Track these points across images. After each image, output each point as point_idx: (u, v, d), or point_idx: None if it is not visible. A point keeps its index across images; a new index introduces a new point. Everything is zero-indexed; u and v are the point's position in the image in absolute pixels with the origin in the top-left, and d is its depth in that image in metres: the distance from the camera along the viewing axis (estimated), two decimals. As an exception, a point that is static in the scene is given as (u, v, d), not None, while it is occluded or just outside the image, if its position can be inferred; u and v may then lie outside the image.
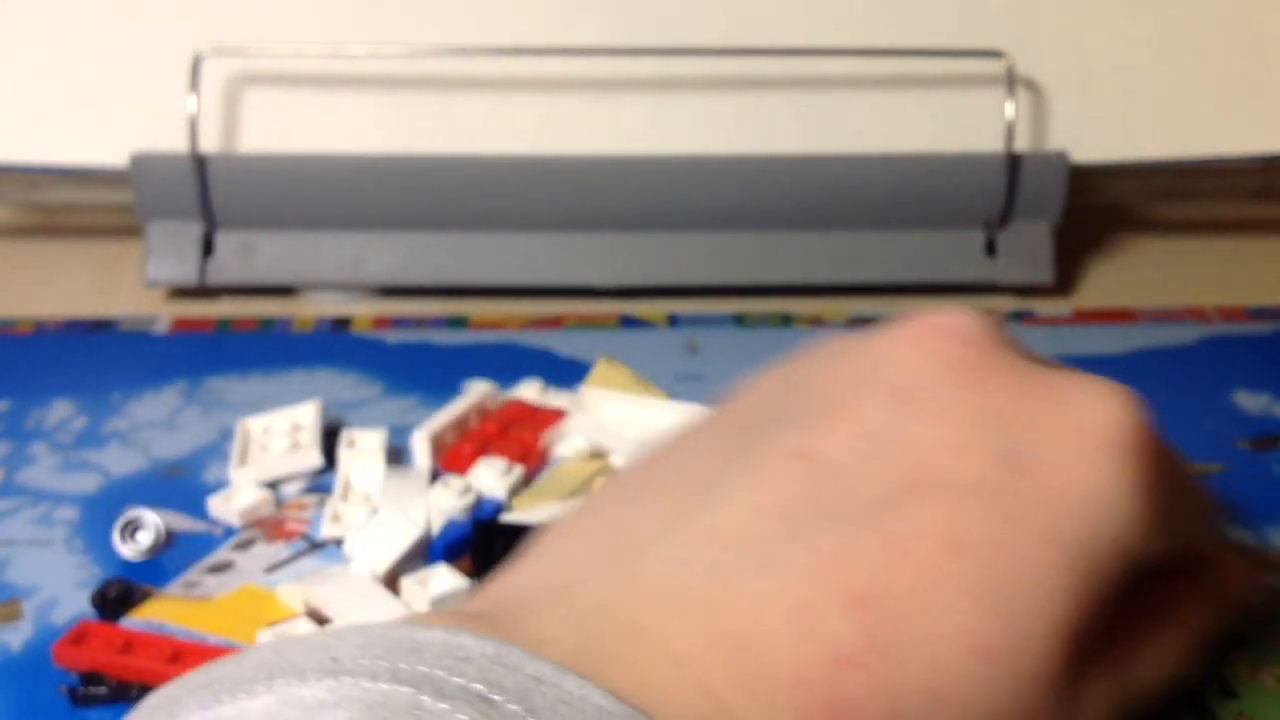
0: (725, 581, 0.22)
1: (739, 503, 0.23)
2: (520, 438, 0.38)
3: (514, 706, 0.18)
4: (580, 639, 0.21)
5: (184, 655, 0.30)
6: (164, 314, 0.48)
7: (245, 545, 0.34)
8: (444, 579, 0.32)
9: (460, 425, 0.38)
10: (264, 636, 0.30)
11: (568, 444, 0.37)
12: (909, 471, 0.23)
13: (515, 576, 0.24)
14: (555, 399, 0.40)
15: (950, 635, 0.21)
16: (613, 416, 0.39)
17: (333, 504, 0.36)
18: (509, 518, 0.34)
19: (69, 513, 0.36)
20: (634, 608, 0.21)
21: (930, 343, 0.25)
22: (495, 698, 0.19)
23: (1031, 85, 0.50)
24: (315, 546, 0.34)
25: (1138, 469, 0.24)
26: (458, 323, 0.47)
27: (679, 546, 0.23)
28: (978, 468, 0.23)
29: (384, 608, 0.31)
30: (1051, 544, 0.22)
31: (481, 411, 0.39)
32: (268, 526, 0.35)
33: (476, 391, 0.39)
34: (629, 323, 0.47)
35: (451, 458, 0.37)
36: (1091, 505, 0.23)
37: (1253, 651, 0.31)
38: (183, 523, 0.36)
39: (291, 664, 0.19)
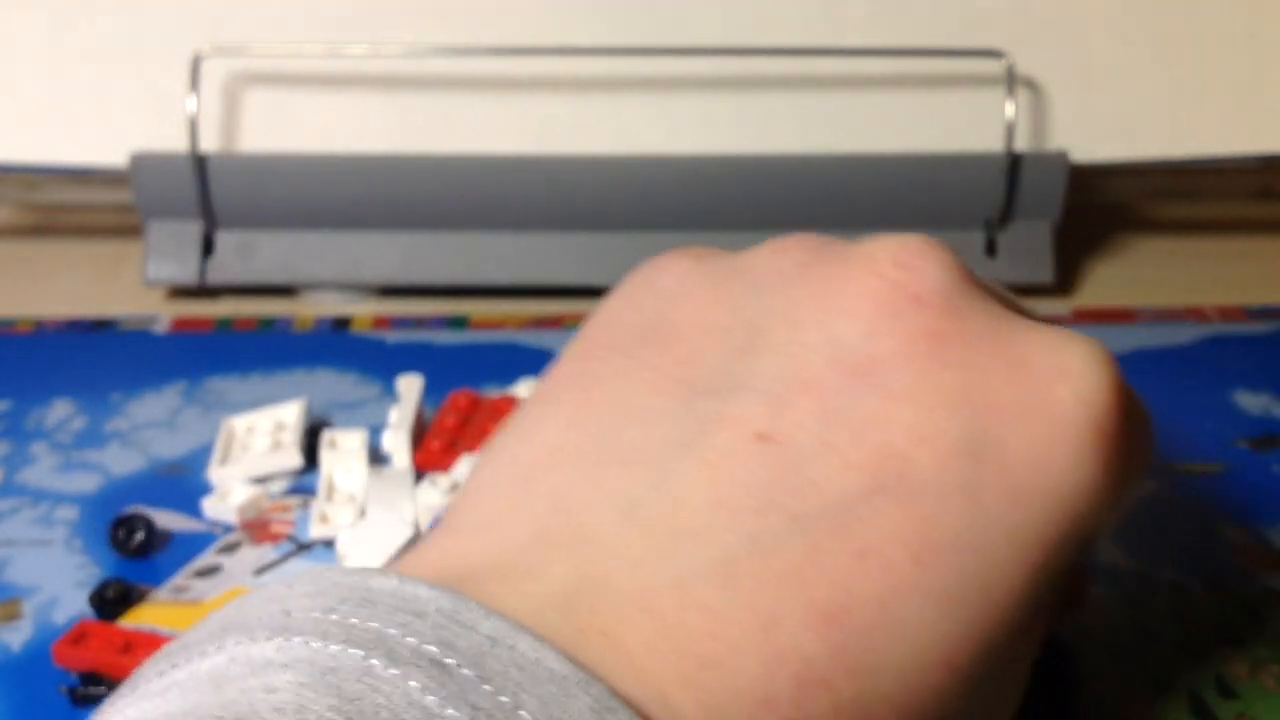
0: (688, 591, 0.20)
1: (697, 495, 0.21)
2: (483, 428, 0.38)
3: (467, 671, 0.18)
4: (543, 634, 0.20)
5: (184, 655, 0.30)
6: (164, 314, 0.48)
7: (231, 548, 0.34)
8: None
9: (419, 422, 0.38)
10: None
11: None
12: (875, 463, 0.22)
13: (454, 545, 0.22)
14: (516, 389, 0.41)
15: (918, 650, 0.21)
16: None
17: (319, 505, 0.36)
18: None
19: (69, 513, 0.36)
20: (595, 610, 0.20)
21: (898, 309, 0.23)
22: (448, 661, 0.18)
23: (1031, 85, 0.50)
24: (303, 548, 0.35)
25: (1108, 453, 0.23)
26: (458, 323, 0.47)
27: (634, 543, 0.21)
28: (945, 460, 0.22)
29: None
30: (1020, 545, 0.22)
31: (437, 406, 0.39)
32: (253, 529, 0.35)
33: (414, 387, 0.39)
34: (629, 323, 0.47)
35: (422, 456, 0.37)
36: (1061, 498, 0.22)
37: (1253, 651, 0.31)
38: (182, 523, 0.36)
39: (245, 619, 0.19)
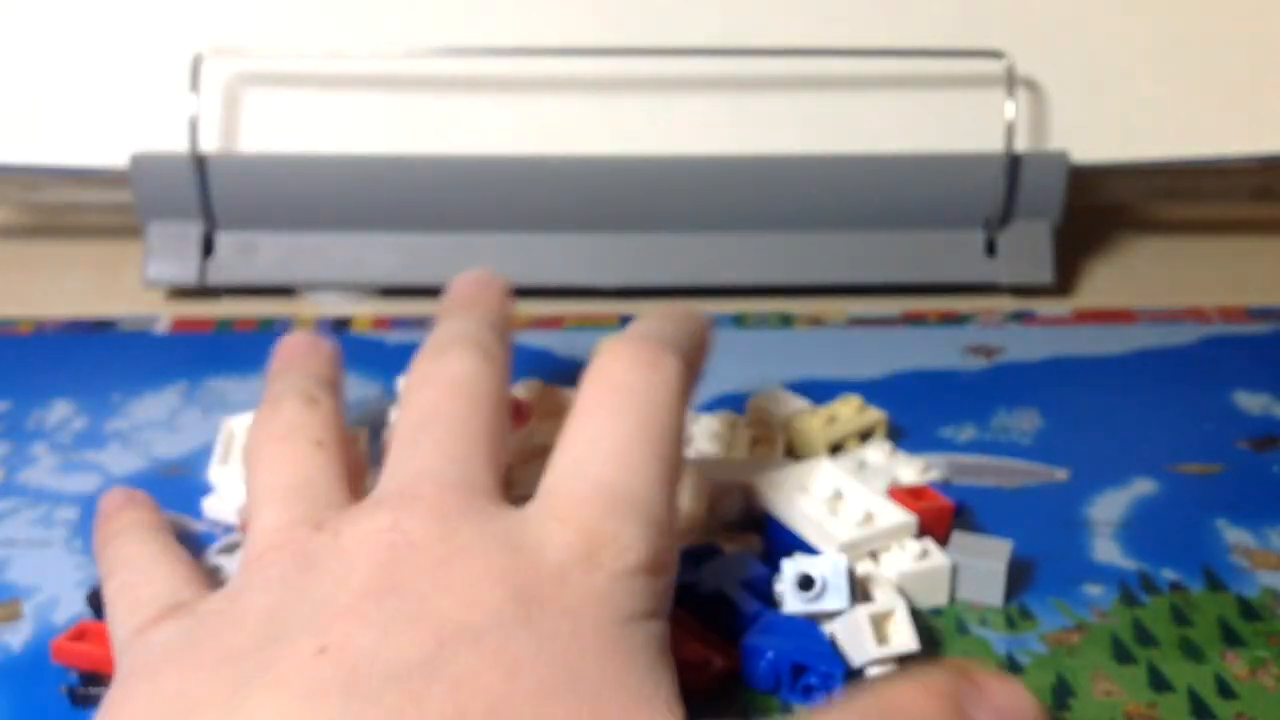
0: None
1: (275, 707, 0.22)
2: None
3: None
4: None
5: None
6: (164, 314, 0.48)
7: (231, 549, 0.34)
8: None
9: None
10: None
11: (529, 443, 0.37)
12: (433, 633, 0.24)
13: None
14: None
15: None
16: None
17: None
18: None
19: (69, 513, 0.36)
20: None
21: (398, 551, 0.26)
22: None
23: (1031, 85, 0.50)
24: None
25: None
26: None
27: None
28: (498, 609, 0.24)
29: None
30: (588, 620, 0.25)
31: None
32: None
33: None
34: (629, 323, 0.47)
35: None
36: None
37: (1253, 651, 0.31)
38: (182, 523, 0.36)
39: None
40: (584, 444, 0.28)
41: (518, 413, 0.39)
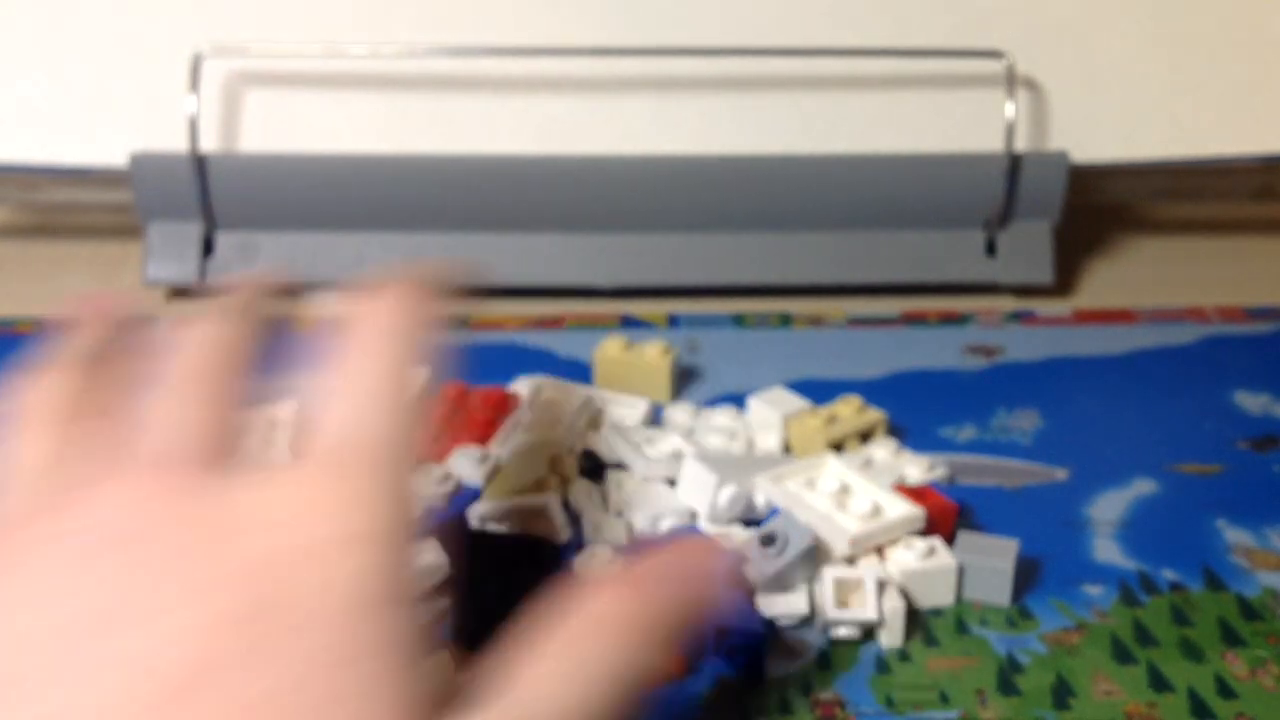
0: None
1: None
2: (472, 418, 0.38)
3: None
4: None
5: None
6: (164, 314, 0.47)
7: None
8: (426, 554, 0.32)
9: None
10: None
11: (518, 433, 0.38)
12: (124, 697, 0.21)
13: None
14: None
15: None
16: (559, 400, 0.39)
17: None
18: (479, 509, 0.34)
19: (69, 513, 0.36)
20: None
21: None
22: None
23: (1031, 85, 0.50)
24: None
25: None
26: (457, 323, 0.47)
27: None
28: (206, 652, 0.22)
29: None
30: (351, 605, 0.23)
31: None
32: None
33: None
34: (629, 323, 0.47)
35: None
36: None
37: (1253, 651, 0.31)
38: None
39: None
40: (333, 402, 0.28)
41: (504, 403, 0.39)
